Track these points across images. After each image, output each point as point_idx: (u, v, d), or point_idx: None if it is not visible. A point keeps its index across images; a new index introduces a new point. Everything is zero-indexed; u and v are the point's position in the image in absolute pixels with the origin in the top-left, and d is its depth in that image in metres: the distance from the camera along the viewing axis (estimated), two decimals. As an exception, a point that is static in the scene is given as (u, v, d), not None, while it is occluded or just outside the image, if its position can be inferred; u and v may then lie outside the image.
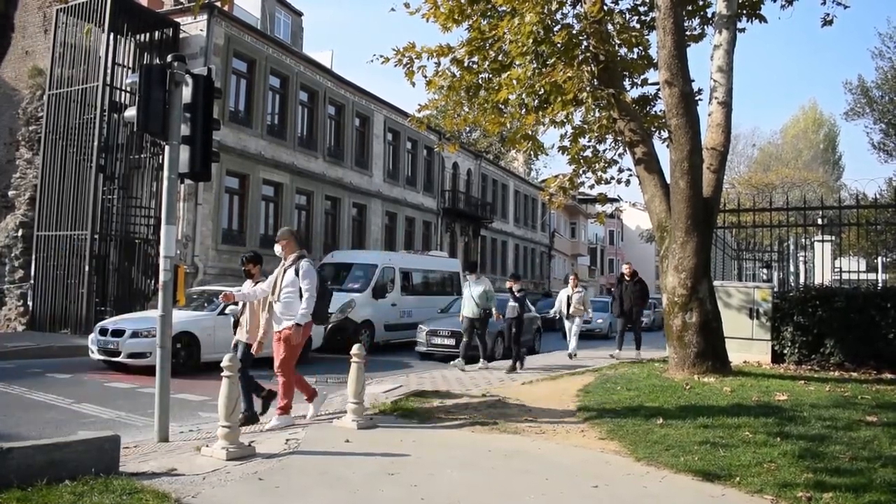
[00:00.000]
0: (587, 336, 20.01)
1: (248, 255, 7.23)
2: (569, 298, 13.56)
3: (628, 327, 14.02)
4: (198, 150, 6.21)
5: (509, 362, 11.45)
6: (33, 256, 17.38)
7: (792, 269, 18.01)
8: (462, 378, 10.12)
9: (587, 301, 13.86)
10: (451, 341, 13.51)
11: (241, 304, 6.92)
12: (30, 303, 17.57)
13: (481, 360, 11.60)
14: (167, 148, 6.13)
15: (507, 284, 12.03)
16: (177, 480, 4.54)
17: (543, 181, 34.15)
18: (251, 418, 6.71)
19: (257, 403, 7.04)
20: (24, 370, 10.75)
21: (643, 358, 12.82)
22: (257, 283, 6.88)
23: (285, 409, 6.55)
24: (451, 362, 11.51)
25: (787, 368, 10.95)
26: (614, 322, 18.74)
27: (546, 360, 13.16)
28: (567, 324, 13.68)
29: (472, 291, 11.38)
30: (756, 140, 53.36)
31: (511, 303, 11.64)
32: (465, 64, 10.74)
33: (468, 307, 11.44)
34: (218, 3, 16.95)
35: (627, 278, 13.83)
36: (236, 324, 6.99)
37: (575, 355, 13.28)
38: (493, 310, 11.49)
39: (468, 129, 35.00)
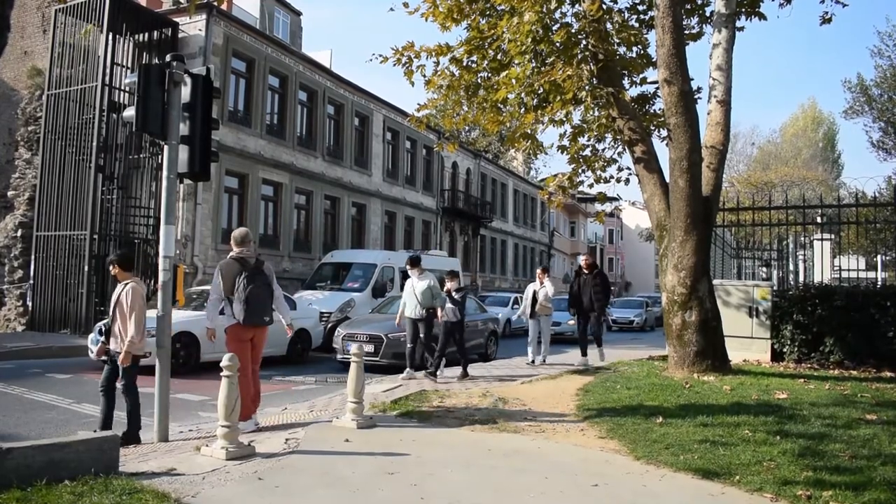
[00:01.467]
0: (556, 340, 17.37)
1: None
2: (535, 295, 11.90)
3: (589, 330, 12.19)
4: (197, 149, 6.22)
5: (459, 370, 10.24)
6: (32, 256, 17.39)
7: (791, 267, 18.01)
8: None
9: (547, 294, 11.99)
10: (370, 347, 11.42)
11: (112, 311, 6.10)
12: (29, 303, 17.57)
13: (429, 367, 9.98)
14: (166, 148, 6.13)
15: (446, 287, 10.31)
16: (176, 480, 4.54)
17: (543, 180, 34.22)
18: (131, 437, 5.88)
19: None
20: (23, 370, 10.75)
21: (605, 360, 11.71)
22: (128, 284, 6.02)
23: (245, 416, 6.03)
24: (403, 374, 9.89)
25: (787, 367, 10.95)
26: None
27: (499, 369, 11.39)
28: (531, 324, 12.08)
29: (415, 288, 9.88)
30: (755, 138, 53.58)
31: (448, 304, 10.06)
32: (464, 63, 10.75)
33: (410, 307, 9.98)
34: (215, 3, 16.97)
35: (586, 271, 12.08)
36: (108, 333, 6.15)
37: (535, 362, 11.90)
38: (439, 310, 10.00)
39: (467, 128, 35.03)
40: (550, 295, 11.93)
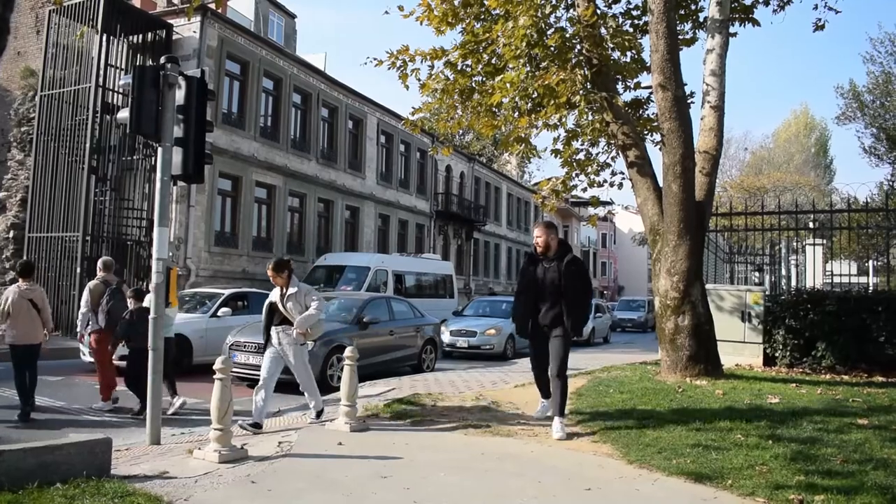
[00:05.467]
0: (474, 356, 13.96)
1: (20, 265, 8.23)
2: (271, 306, 6.90)
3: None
4: (191, 152, 6.21)
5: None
6: (24, 258, 17.29)
7: (784, 272, 18.09)
8: (455, 381, 10.12)
9: (313, 312, 6.75)
10: (257, 360, 8.47)
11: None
12: (20, 305, 17.45)
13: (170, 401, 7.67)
14: (160, 150, 6.12)
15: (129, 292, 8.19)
16: (169, 483, 4.52)
17: (536, 184, 34.25)
18: (24, 415, 7.56)
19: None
20: (14, 372, 10.65)
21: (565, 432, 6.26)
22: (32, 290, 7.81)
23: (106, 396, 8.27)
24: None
25: (779, 371, 10.99)
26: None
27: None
28: (266, 358, 6.88)
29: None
30: (748, 144, 53.82)
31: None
32: (459, 67, 10.75)
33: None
34: (211, 5, 16.95)
35: (541, 255, 6.67)
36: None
37: (320, 413, 7.04)
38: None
39: (461, 131, 35.06)
40: (314, 310, 6.75)
